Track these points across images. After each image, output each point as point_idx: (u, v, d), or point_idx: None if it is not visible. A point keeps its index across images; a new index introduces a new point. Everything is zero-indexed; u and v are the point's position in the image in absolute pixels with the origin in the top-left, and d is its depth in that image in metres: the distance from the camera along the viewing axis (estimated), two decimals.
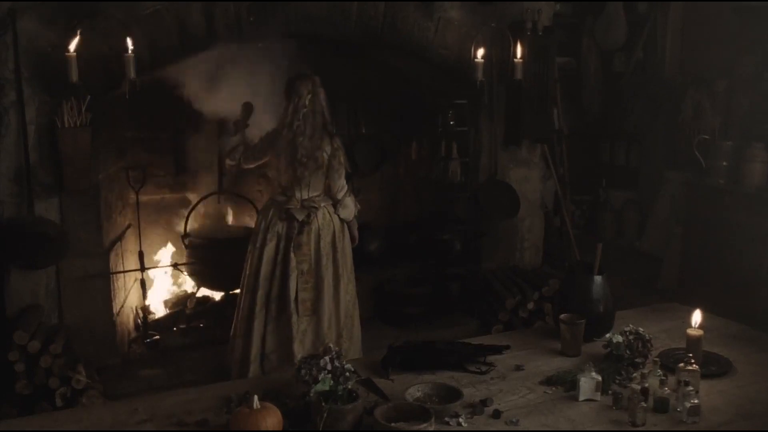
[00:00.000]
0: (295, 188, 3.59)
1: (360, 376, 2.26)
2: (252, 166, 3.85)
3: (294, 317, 3.56)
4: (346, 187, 3.68)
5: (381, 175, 5.62)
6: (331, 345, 2.12)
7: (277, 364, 3.58)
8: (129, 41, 3.51)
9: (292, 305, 3.56)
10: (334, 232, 3.65)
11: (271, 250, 3.59)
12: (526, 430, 2.04)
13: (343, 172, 3.64)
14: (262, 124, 3.88)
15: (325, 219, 3.62)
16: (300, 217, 3.55)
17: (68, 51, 3.46)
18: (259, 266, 3.60)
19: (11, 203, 3.66)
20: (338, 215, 3.66)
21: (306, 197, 3.61)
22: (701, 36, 5.66)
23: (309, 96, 3.53)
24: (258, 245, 3.62)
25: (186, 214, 4.68)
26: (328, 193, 3.69)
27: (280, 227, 3.60)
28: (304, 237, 3.57)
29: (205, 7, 3.90)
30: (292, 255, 3.55)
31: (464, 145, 5.12)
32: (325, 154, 3.56)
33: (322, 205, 3.63)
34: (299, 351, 3.52)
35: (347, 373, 2.03)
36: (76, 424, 2.07)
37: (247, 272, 3.67)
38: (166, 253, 4.95)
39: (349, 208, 3.70)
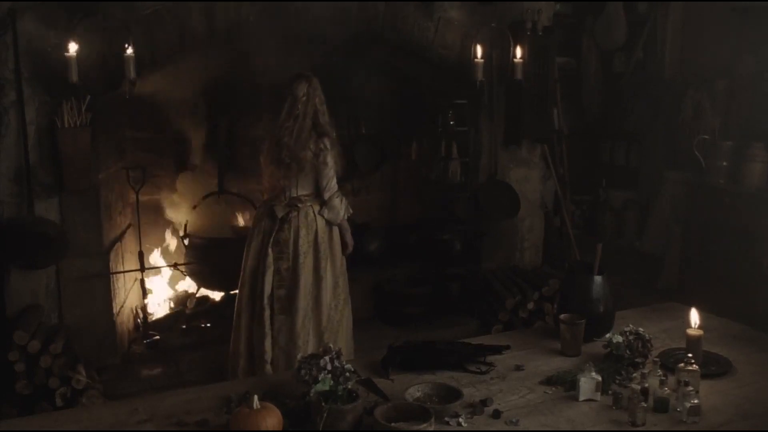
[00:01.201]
0: (284, 187, 3.60)
1: (360, 376, 2.26)
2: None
3: (266, 313, 3.56)
4: (334, 189, 3.60)
5: (381, 175, 5.62)
6: (332, 345, 2.12)
7: (261, 361, 3.59)
8: (129, 41, 3.52)
9: (266, 301, 3.56)
10: (316, 231, 3.60)
11: (256, 247, 3.62)
12: (526, 430, 2.04)
13: (329, 173, 3.57)
14: None
15: (307, 217, 3.58)
16: (280, 214, 3.56)
17: (68, 51, 3.46)
18: (247, 263, 3.64)
19: (11, 203, 3.67)
20: (323, 216, 3.61)
21: (294, 195, 3.60)
22: (701, 36, 5.65)
23: (304, 98, 3.53)
24: (247, 243, 3.67)
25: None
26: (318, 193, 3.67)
27: (264, 224, 3.61)
28: (284, 234, 3.56)
29: (205, 7, 3.90)
30: (269, 251, 3.56)
31: (464, 145, 5.12)
32: (309, 154, 3.53)
33: (308, 204, 3.59)
34: (271, 348, 3.54)
35: (347, 373, 2.02)
36: (76, 424, 2.07)
37: (243, 277, 3.70)
38: (165, 253, 4.95)
39: (336, 209, 3.62)
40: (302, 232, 3.56)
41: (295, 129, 3.51)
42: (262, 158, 3.69)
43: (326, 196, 3.58)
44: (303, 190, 3.59)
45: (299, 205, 3.57)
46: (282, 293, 3.58)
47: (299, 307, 3.57)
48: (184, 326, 4.57)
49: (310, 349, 3.49)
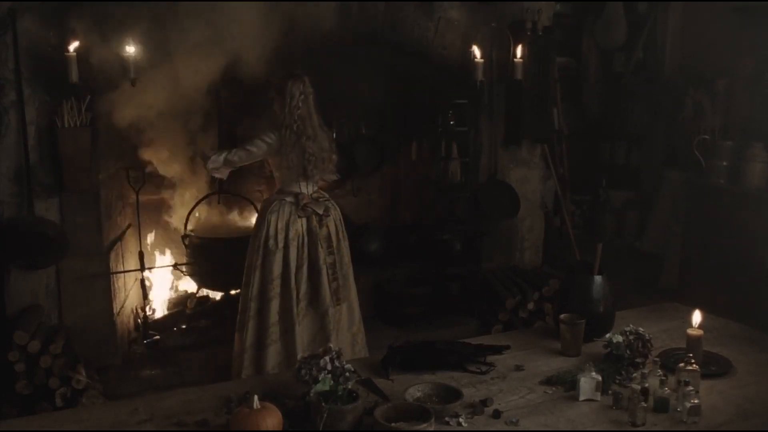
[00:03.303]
0: (302, 185, 3.62)
1: (360, 376, 2.26)
2: (245, 163, 3.76)
3: (331, 309, 3.62)
4: None
5: (381, 175, 5.62)
6: (332, 345, 2.12)
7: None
8: (129, 41, 3.52)
9: (328, 301, 3.61)
10: (341, 221, 3.76)
11: (295, 249, 3.59)
12: (526, 430, 2.04)
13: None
14: None
15: (335, 210, 3.73)
16: (320, 210, 3.61)
17: (68, 51, 3.46)
18: (287, 269, 3.56)
19: (11, 203, 3.66)
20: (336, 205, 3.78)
21: (313, 191, 3.68)
22: (701, 36, 5.65)
23: (301, 97, 3.54)
24: (280, 246, 3.56)
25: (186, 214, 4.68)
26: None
27: (299, 225, 3.60)
28: (325, 229, 3.63)
29: (205, 6, 3.90)
30: (320, 249, 3.59)
31: (464, 145, 5.12)
32: (329, 150, 3.67)
33: (327, 196, 3.74)
34: (334, 341, 3.55)
35: (347, 373, 2.03)
36: (77, 424, 2.07)
37: (268, 277, 3.56)
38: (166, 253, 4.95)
39: None
40: (337, 224, 3.71)
41: (308, 128, 3.56)
42: (270, 158, 3.67)
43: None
44: (316, 185, 3.70)
45: (324, 199, 3.69)
46: (335, 285, 3.66)
47: (353, 293, 3.78)
48: (184, 326, 4.57)
49: (361, 336, 3.83)
